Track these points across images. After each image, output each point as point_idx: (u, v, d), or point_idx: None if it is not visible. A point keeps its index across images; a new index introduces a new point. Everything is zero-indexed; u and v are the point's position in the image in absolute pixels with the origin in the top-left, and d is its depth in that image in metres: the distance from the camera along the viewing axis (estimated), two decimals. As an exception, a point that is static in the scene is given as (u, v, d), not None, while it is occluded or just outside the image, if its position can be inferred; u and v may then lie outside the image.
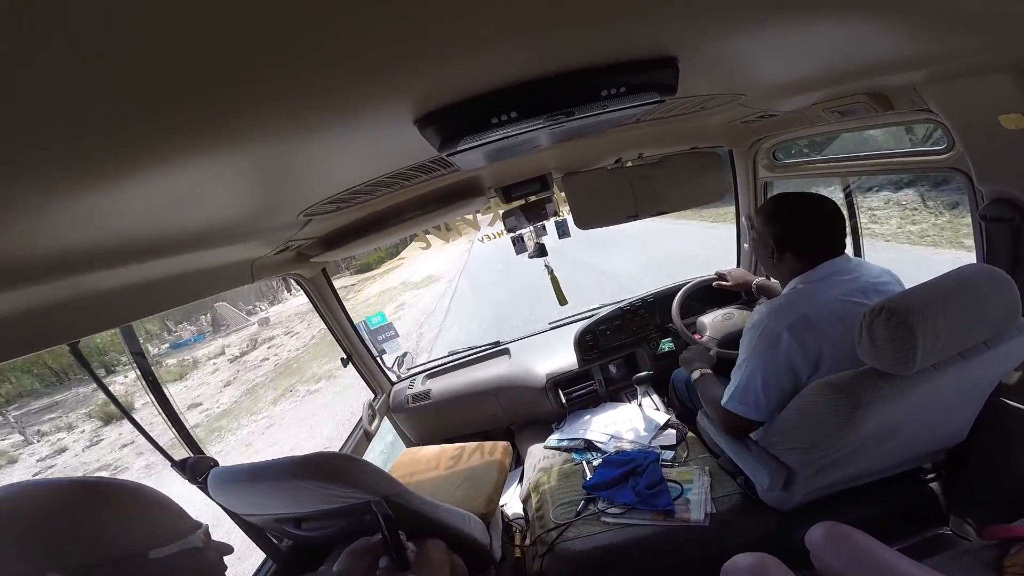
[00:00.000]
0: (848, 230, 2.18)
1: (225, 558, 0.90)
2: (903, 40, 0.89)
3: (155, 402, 1.51)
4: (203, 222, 1.02)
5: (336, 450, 2.14)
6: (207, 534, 0.86)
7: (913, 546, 1.54)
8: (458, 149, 0.82)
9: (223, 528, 1.16)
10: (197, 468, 1.37)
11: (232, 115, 0.54)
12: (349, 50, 0.47)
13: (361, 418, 2.49)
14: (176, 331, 28.10)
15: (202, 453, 1.49)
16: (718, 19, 0.65)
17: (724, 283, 2.24)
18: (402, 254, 34.70)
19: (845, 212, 2.17)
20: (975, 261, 1.42)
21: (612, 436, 2.26)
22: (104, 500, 0.74)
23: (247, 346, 19.19)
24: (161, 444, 1.53)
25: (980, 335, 1.16)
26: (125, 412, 1.46)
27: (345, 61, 0.49)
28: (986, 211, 1.33)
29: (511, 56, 0.63)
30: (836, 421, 1.21)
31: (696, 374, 1.83)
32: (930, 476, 1.65)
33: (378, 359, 2.82)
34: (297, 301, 26.80)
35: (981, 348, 1.17)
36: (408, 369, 3.01)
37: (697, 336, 2.29)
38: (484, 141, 0.82)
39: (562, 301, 2.66)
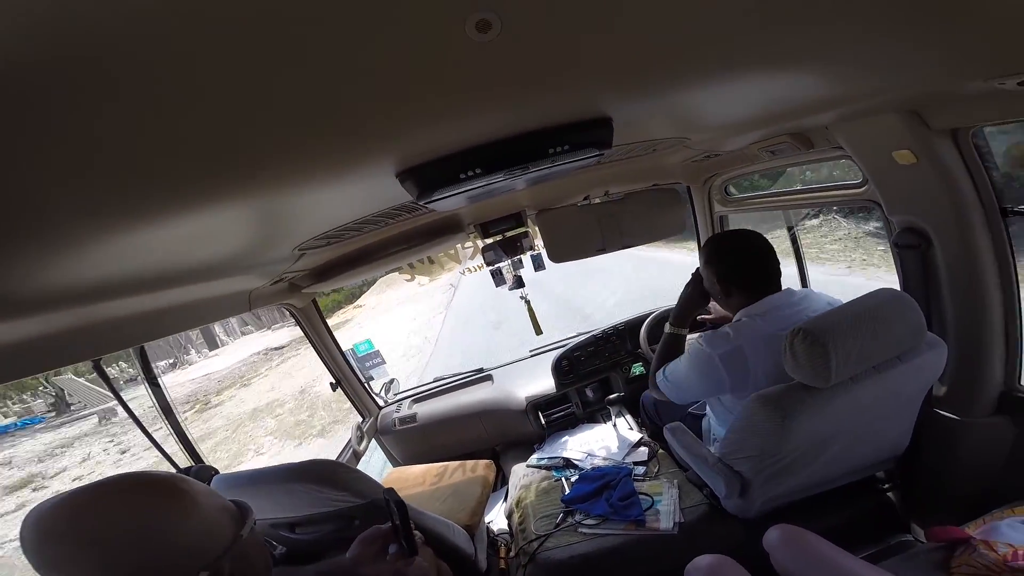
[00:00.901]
0: (795, 262, 2.37)
1: None
2: (809, 86, 1.05)
3: (163, 417, 1.63)
4: (209, 256, 1.17)
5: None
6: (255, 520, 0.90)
7: (877, 553, 1.63)
8: (433, 198, 0.99)
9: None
10: (200, 476, 1.47)
11: (248, 173, 0.69)
12: (343, 125, 0.62)
13: (350, 439, 2.59)
14: (28, 403, 19.56)
15: (203, 462, 1.61)
16: (643, 85, 0.82)
17: (707, 316, 2.37)
18: (362, 299, 28.11)
19: (790, 247, 2.37)
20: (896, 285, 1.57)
21: (588, 454, 2.38)
22: (190, 496, 0.75)
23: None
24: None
25: (891, 351, 1.31)
26: (140, 425, 1.57)
27: (340, 133, 0.65)
28: (897, 239, 1.49)
29: (474, 124, 0.80)
30: (771, 429, 1.35)
31: (668, 327, 1.94)
32: (886, 486, 1.76)
33: (366, 384, 2.93)
34: (196, 371, 21.23)
35: (895, 362, 1.33)
36: (395, 394, 3.12)
37: None
38: (455, 192, 0.99)
39: (538, 331, 2.84)
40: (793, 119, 1.42)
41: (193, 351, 24.66)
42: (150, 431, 1.58)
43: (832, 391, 1.30)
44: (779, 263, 1.61)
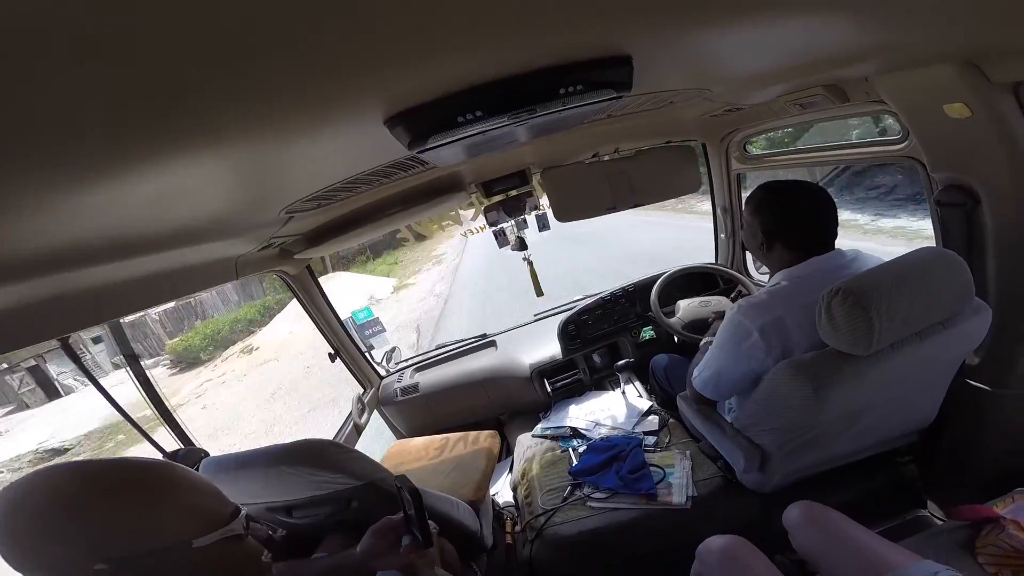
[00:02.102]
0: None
1: None
2: (855, 33, 0.93)
3: (146, 397, 1.54)
4: (186, 219, 1.05)
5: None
6: (248, 518, 0.86)
7: (893, 528, 1.58)
8: (427, 147, 0.86)
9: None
10: (188, 459, 1.40)
11: (211, 117, 0.58)
12: (318, 55, 0.50)
13: (351, 412, 2.52)
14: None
15: (192, 444, 1.53)
16: (668, 20, 0.69)
17: None
18: (264, 331, 16.67)
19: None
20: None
21: (596, 423, 2.31)
22: (147, 485, 0.74)
23: None
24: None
25: (935, 316, 1.20)
26: (117, 407, 1.48)
27: (315, 66, 0.53)
28: (940, 197, 1.37)
29: (474, 59, 0.67)
30: (801, 401, 1.25)
31: (704, 340, 1.87)
32: (906, 459, 1.69)
33: (366, 354, 2.85)
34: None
35: (937, 328, 1.21)
36: (397, 363, 3.04)
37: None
38: (452, 139, 0.86)
39: (539, 292, 2.76)
40: (830, 69, 1.28)
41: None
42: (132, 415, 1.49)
43: (870, 359, 1.19)
44: (837, 222, 1.43)
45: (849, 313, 1.12)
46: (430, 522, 0.98)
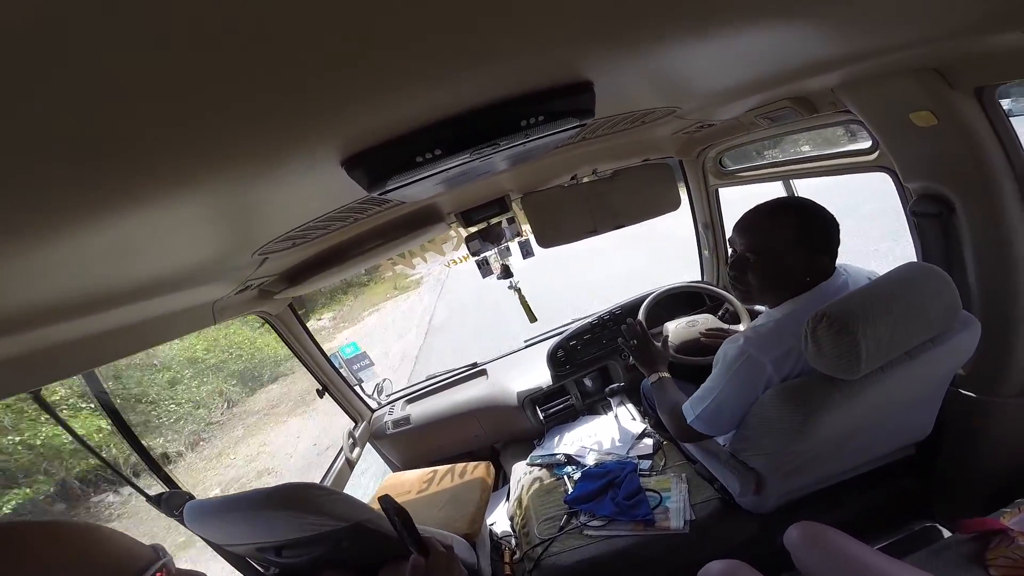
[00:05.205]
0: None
1: None
2: (814, 43, 0.93)
3: (128, 442, 1.51)
4: (151, 272, 1.03)
5: (318, 480, 2.14)
6: (166, 570, 0.75)
7: (900, 541, 1.56)
8: (388, 188, 0.85)
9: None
10: (172, 502, 1.37)
11: (162, 169, 0.56)
12: (271, 101, 0.49)
13: (342, 448, 2.48)
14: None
15: (177, 487, 1.49)
16: (625, 41, 0.68)
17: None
18: None
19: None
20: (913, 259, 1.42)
21: (590, 449, 2.27)
22: (28, 556, 0.64)
23: None
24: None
25: (924, 334, 1.18)
26: (96, 453, 1.45)
27: (269, 112, 0.51)
28: (915, 207, 1.36)
29: (429, 96, 0.66)
30: (791, 428, 1.22)
31: (654, 378, 1.75)
32: (906, 471, 1.66)
33: (356, 388, 2.80)
34: None
35: (927, 346, 1.19)
36: (387, 396, 3.00)
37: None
38: (413, 179, 0.85)
39: (532, 319, 2.70)
40: (795, 81, 1.28)
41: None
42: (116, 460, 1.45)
43: (860, 383, 1.16)
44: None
45: (835, 339, 1.09)
46: (421, 527, 0.93)
